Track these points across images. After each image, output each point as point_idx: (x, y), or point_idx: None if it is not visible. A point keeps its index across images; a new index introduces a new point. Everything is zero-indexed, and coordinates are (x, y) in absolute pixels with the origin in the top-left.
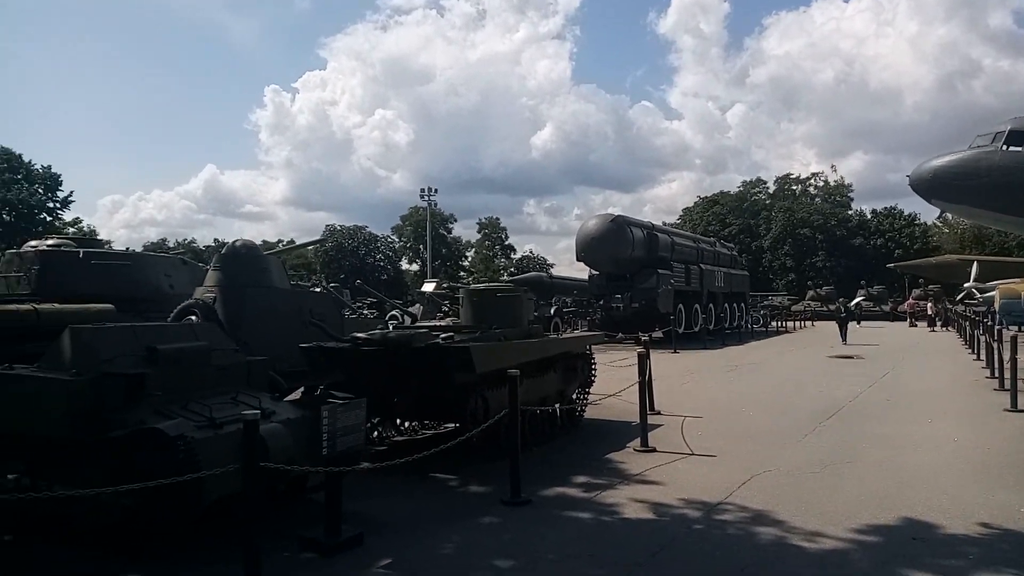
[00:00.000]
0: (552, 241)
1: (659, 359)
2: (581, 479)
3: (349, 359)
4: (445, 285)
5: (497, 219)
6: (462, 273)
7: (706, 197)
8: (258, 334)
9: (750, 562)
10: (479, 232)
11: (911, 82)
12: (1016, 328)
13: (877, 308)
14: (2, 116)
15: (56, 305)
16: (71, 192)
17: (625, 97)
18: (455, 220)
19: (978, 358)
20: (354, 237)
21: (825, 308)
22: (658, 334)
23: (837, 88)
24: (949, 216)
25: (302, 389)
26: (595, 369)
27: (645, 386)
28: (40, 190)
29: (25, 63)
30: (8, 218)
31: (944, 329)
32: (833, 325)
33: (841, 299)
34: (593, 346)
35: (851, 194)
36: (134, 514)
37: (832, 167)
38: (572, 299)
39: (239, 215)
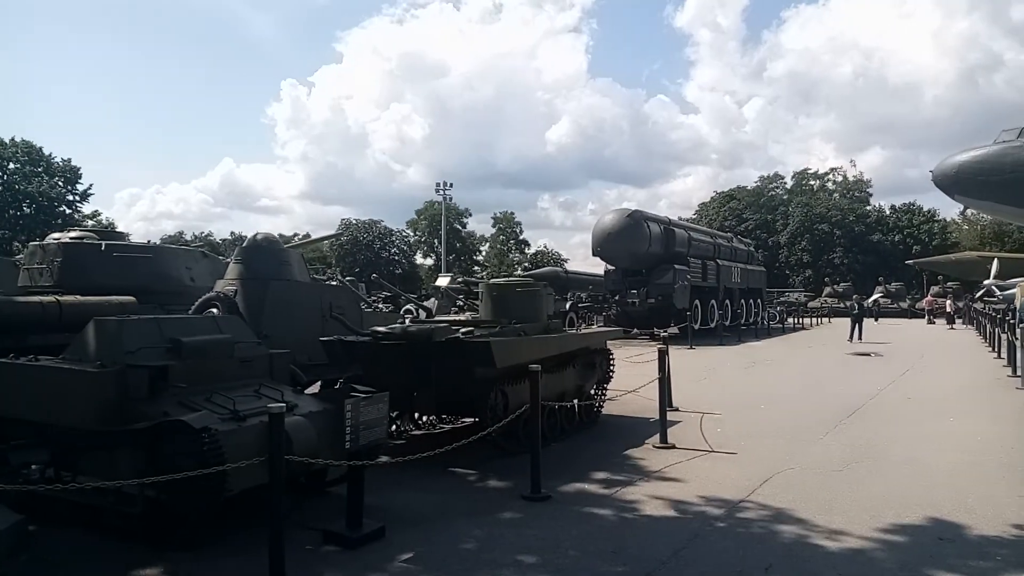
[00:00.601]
0: (566, 236)
1: (675, 355)
2: (601, 475)
3: (369, 353)
4: (460, 280)
5: (512, 213)
6: (476, 267)
7: (723, 192)
8: (278, 327)
9: (775, 561)
10: (494, 226)
11: (931, 76)
12: None
13: (895, 305)
14: (24, 110)
15: (78, 297)
16: (90, 185)
17: (641, 91)
18: (470, 214)
19: (999, 356)
20: (369, 231)
21: (843, 305)
22: (674, 330)
23: (856, 82)
24: (970, 212)
25: (319, 383)
26: (613, 365)
27: (664, 382)
28: (60, 183)
29: (46, 59)
30: (29, 210)
31: (964, 326)
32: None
33: (855, 295)
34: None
35: (869, 189)
36: (158, 505)
37: (852, 162)
38: (587, 294)
39: (255, 208)
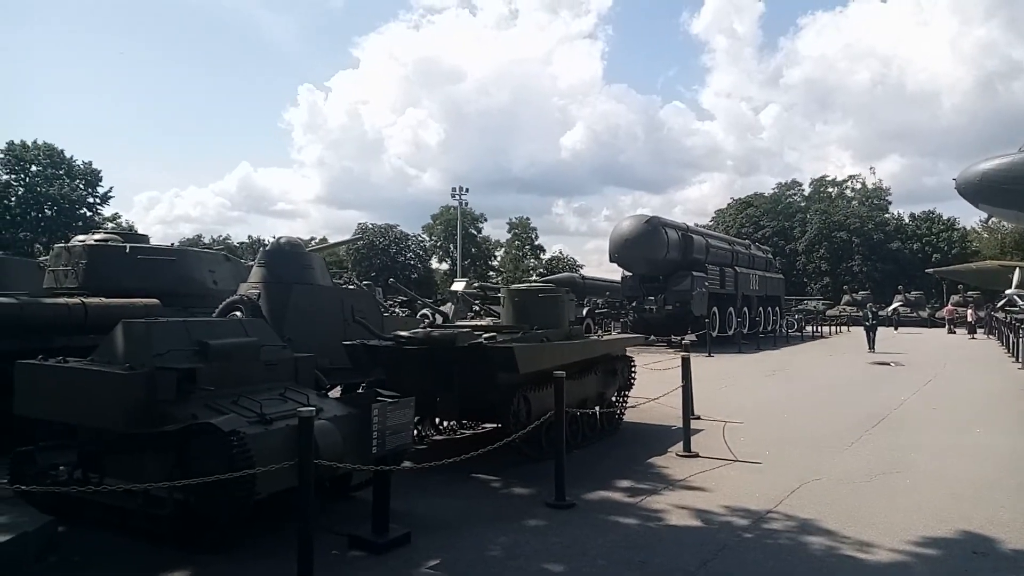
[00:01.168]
0: (581, 241)
1: (694, 363)
2: (624, 483)
3: (392, 357)
4: (475, 285)
5: (527, 219)
6: (491, 273)
7: (740, 199)
8: (301, 331)
9: (806, 573)
10: (509, 232)
11: (949, 84)
12: None
13: (915, 314)
14: (46, 113)
15: (104, 300)
16: (111, 188)
17: (656, 97)
18: (485, 219)
19: (1023, 367)
20: (385, 235)
21: (860, 313)
22: (692, 337)
23: (873, 89)
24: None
25: (340, 387)
26: (635, 372)
27: (687, 390)
28: (81, 185)
29: (67, 63)
30: (50, 212)
31: (986, 336)
32: None
33: (869, 304)
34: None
35: (889, 197)
36: (187, 508)
37: (871, 169)
38: (604, 300)
39: (272, 212)
